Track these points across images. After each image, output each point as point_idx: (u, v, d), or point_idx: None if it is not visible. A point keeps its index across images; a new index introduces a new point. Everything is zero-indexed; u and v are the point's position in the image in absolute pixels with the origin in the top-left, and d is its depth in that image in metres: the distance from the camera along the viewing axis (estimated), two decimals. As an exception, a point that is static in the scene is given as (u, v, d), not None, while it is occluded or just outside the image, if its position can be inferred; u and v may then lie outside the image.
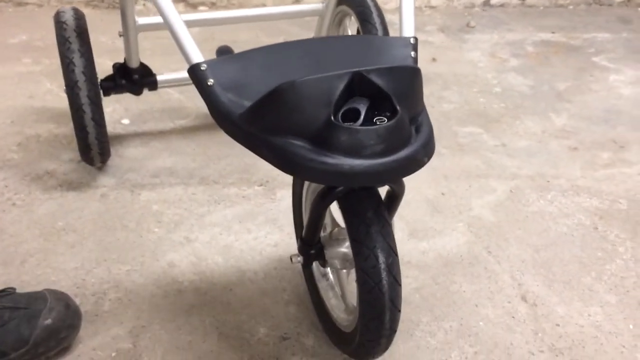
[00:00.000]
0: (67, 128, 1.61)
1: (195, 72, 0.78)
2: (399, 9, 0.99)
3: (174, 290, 1.14)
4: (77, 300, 1.07)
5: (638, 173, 1.54)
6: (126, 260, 1.20)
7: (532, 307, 1.14)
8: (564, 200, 1.43)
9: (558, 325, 1.11)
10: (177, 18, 0.84)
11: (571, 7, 2.70)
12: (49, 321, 0.97)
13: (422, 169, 0.74)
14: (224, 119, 0.78)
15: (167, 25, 0.84)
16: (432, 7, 2.62)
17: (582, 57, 2.20)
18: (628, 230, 1.34)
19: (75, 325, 1.01)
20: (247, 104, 0.76)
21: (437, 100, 1.85)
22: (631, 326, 1.11)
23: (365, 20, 1.36)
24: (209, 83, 0.78)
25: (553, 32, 2.41)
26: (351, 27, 1.52)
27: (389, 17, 1.46)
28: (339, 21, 1.52)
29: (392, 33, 1.35)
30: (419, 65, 0.82)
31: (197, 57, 0.79)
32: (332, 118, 0.70)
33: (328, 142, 0.70)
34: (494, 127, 1.72)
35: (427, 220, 1.34)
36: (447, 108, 1.82)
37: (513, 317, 1.12)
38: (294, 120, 0.72)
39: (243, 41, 2.14)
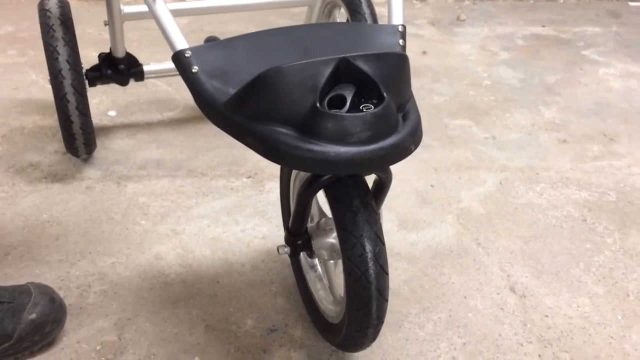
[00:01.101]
0: (53, 120, 1.59)
1: (179, 58, 0.77)
2: (387, -2, 0.98)
3: (160, 282, 1.13)
4: (61, 293, 1.06)
5: (627, 165, 1.54)
6: (112, 253, 1.19)
7: (521, 298, 1.14)
8: (553, 192, 1.43)
9: (547, 316, 1.10)
10: (162, 4, 0.82)
11: (561, 0, 2.70)
12: (33, 315, 0.96)
13: (412, 160, 0.73)
14: (209, 106, 0.76)
15: (151, 12, 0.82)
16: (422, 0, 2.61)
17: (572, 50, 2.20)
18: (616, 222, 1.34)
19: (60, 320, 1.00)
20: (232, 91, 0.74)
21: (427, 93, 1.85)
22: (619, 317, 1.11)
23: (354, 10, 1.34)
24: (193, 70, 0.77)
25: (543, 26, 2.40)
26: (340, 18, 1.51)
27: (377, 10, 1.44)
28: (328, 12, 1.51)
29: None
30: (409, 56, 0.81)
31: (181, 43, 0.78)
32: (318, 105, 0.68)
33: (314, 129, 0.69)
34: (484, 120, 1.72)
35: (416, 212, 1.34)
36: (438, 100, 1.81)
37: (502, 308, 1.11)
38: (279, 107, 0.70)
39: (231, 33, 2.12)
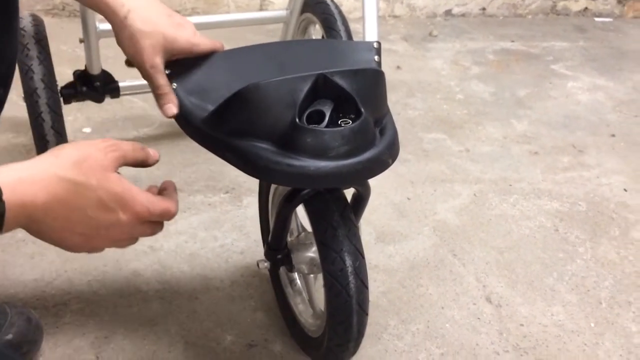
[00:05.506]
0: (26, 137, 1.57)
1: (158, 75, 0.78)
2: (362, 15, 1.00)
3: (138, 299, 1.12)
4: (37, 313, 1.04)
5: (596, 176, 1.59)
6: (88, 271, 1.18)
7: (497, 308, 1.16)
8: (525, 203, 1.46)
9: (522, 325, 1.12)
10: (139, 22, 0.82)
11: (530, 16, 2.78)
12: (9, 336, 0.94)
13: (388, 174, 0.75)
14: (187, 123, 0.77)
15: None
16: (395, 17, 2.66)
17: (541, 64, 2.26)
18: (587, 231, 1.38)
19: (37, 340, 0.98)
20: (211, 107, 0.75)
21: (402, 107, 1.88)
22: (592, 324, 1.13)
23: (329, 27, 1.36)
24: (172, 87, 0.77)
25: (513, 41, 2.47)
26: (315, 34, 1.53)
27: (352, 26, 1.47)
28: (303, 29, 1.53)
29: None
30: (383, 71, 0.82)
31: (159, 60, 0.79)
32: (297, 120, 0.70)
33: (293, 144, 0.70)
34: (457, 133, 1.75)
35: (393, 225, 1.35)
36: (412, 115, 1.84)
37: (478, 318, 1.13)
38: (258, 122, 0.71)
39: (207, 49, 2.13)
